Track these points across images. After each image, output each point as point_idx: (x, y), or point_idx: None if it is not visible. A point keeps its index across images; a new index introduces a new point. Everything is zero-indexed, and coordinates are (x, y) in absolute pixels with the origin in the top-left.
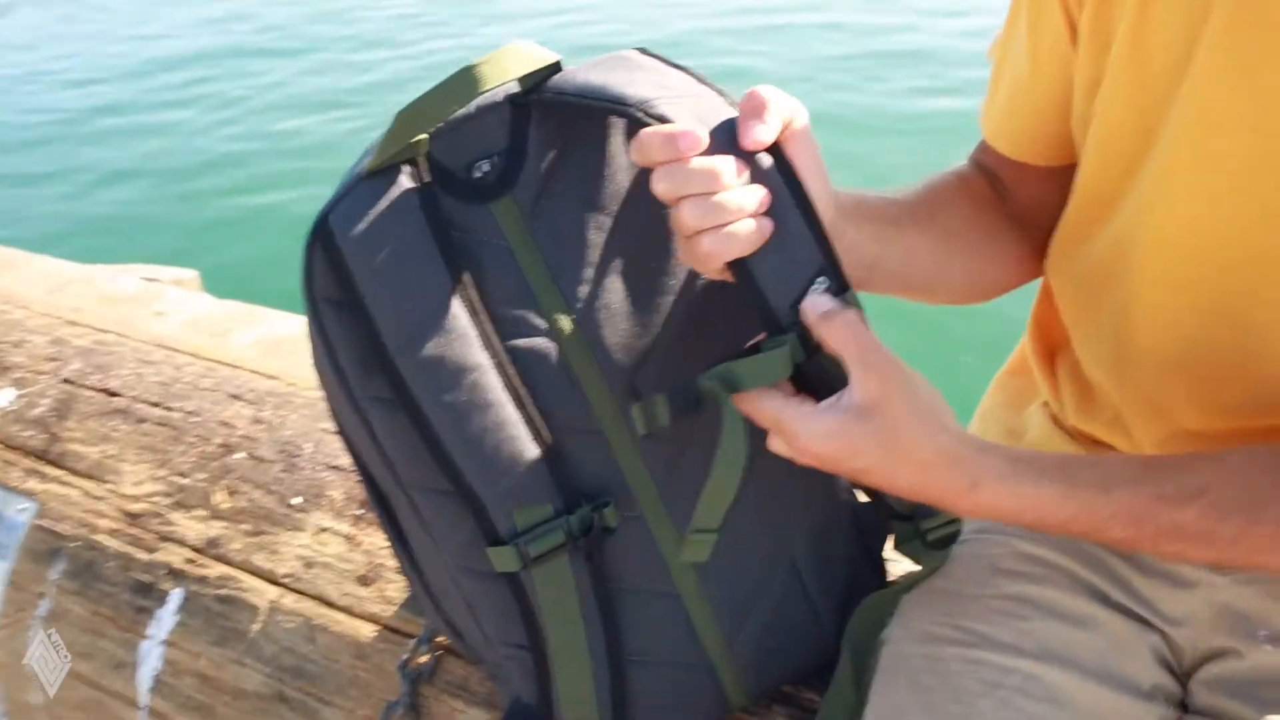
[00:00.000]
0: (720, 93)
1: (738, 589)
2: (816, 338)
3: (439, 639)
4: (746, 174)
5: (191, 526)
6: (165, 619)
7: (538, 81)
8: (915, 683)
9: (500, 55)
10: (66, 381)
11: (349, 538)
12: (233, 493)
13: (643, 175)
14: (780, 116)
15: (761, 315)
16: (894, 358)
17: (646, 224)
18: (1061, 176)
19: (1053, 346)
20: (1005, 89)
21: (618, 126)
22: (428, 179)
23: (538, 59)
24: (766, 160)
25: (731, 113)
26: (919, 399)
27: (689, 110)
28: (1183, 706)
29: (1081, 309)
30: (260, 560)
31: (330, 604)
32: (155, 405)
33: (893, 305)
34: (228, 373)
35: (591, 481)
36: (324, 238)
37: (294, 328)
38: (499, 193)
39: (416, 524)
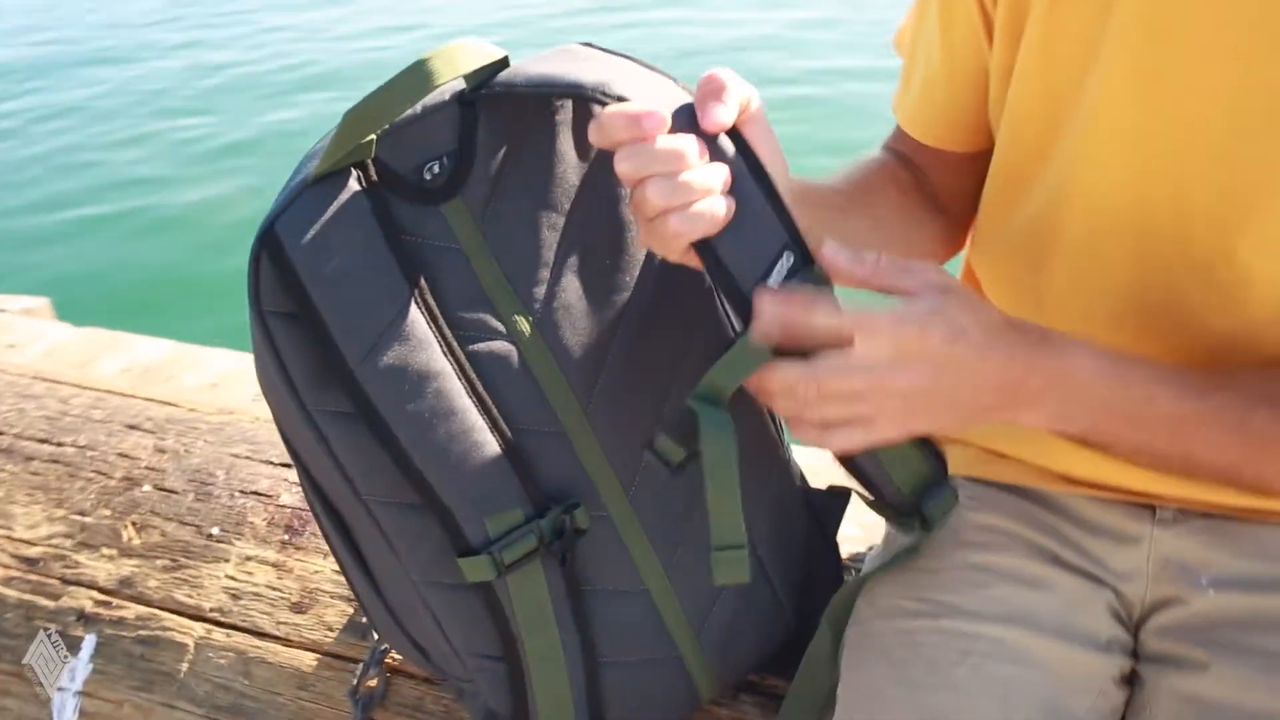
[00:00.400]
0: (671, 78)
1: (704, 580)
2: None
3: (388, 660)
4: (707, 155)
5: (100, 567)
6: (79, 668)
7: (485, 79)
8: (888, 658)
9: (450, 50)
10: None
11: (277, 565)
12: (142, 528)
13: (592, 173)
14: (738, 99)
15: (729, 297)
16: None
17: (597, 222)
18: (975, 162)
19: None
20: (919, 78)
21: (565, 125)
22: (375, 182)
23: (487, 54)
24: (726, 141)
25: (686, 97)
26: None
27: (645, 93)
28: (1134, 656)
29: (1008, 284)
30: (182, 596)
31: (265, 635)
32: (43, 442)
33: None
34: (119, 402)
35: (557, 484)
36: (271, 248)
37: (164, 350)
38: (449, 195)
39: (378, 540)
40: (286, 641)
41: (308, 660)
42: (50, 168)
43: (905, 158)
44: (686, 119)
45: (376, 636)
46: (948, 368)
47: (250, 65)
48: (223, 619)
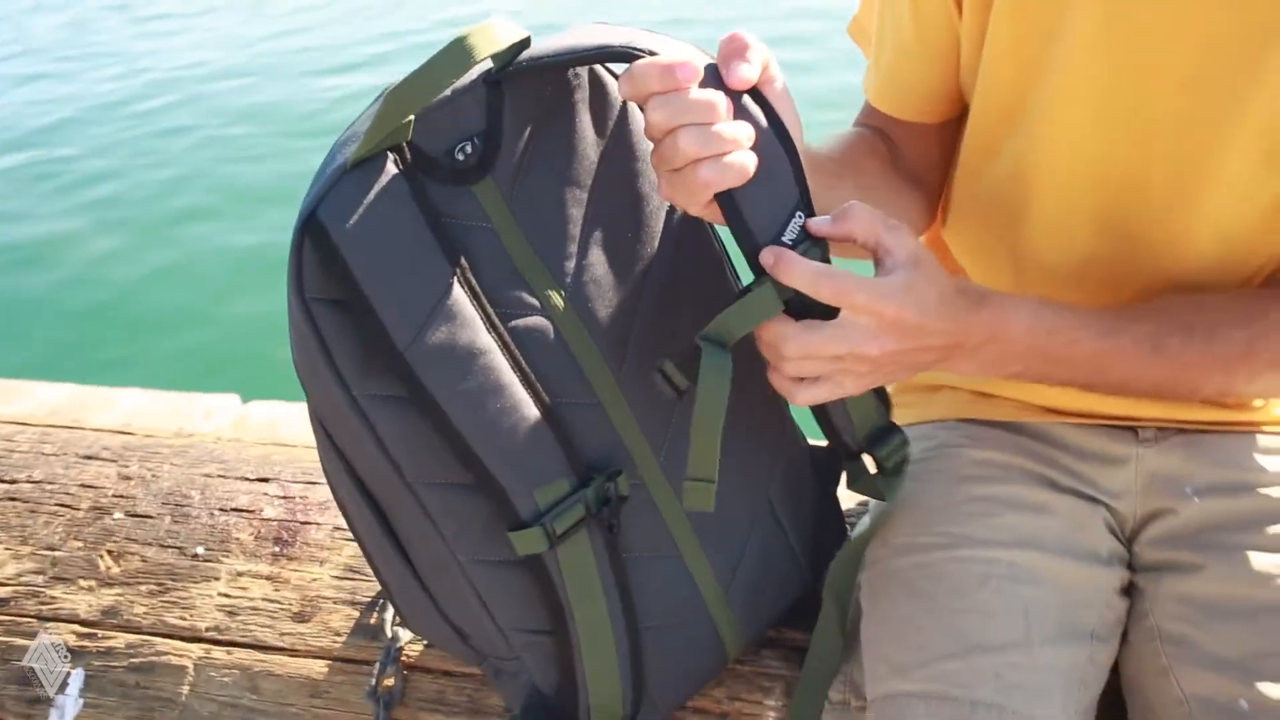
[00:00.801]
0: (687, 44)
1: (730, 538)
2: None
3: (404, 658)
4: (733, 111)
5: (80, 599)
6: (67, 706)
7: (509, 59)
8: (913, 590)
9: (486, 28)
10: None
11: (272, 577)
12: (120, 555)
13: (609, 151)
14: (760, 58)
15: (746, 250)
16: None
17: (617, 196)
18: (945, 131)
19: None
20: (889, 54)
21: (583, 104)
22: (411, 165)
23: (516, 33)
24: (749, 100)
25: (706, 59)
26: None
27: (671, 50)
28: (1130, 569)
29: (984, 250)
30: (174, 619)
31: (268, 648)
32: None
33: None
34: (67, 435)
35: (596, 453)
36: (315, 234)
37: (66, 394)
38: (480, 175)
39: (422, 524)
40: (293, 652)
41: (318, 668)
42: None
43: (880, 131)
44: (712, 78)
45: (390, 635)
46: (913, 335)
47: (106, 94)
48: (221, 637)
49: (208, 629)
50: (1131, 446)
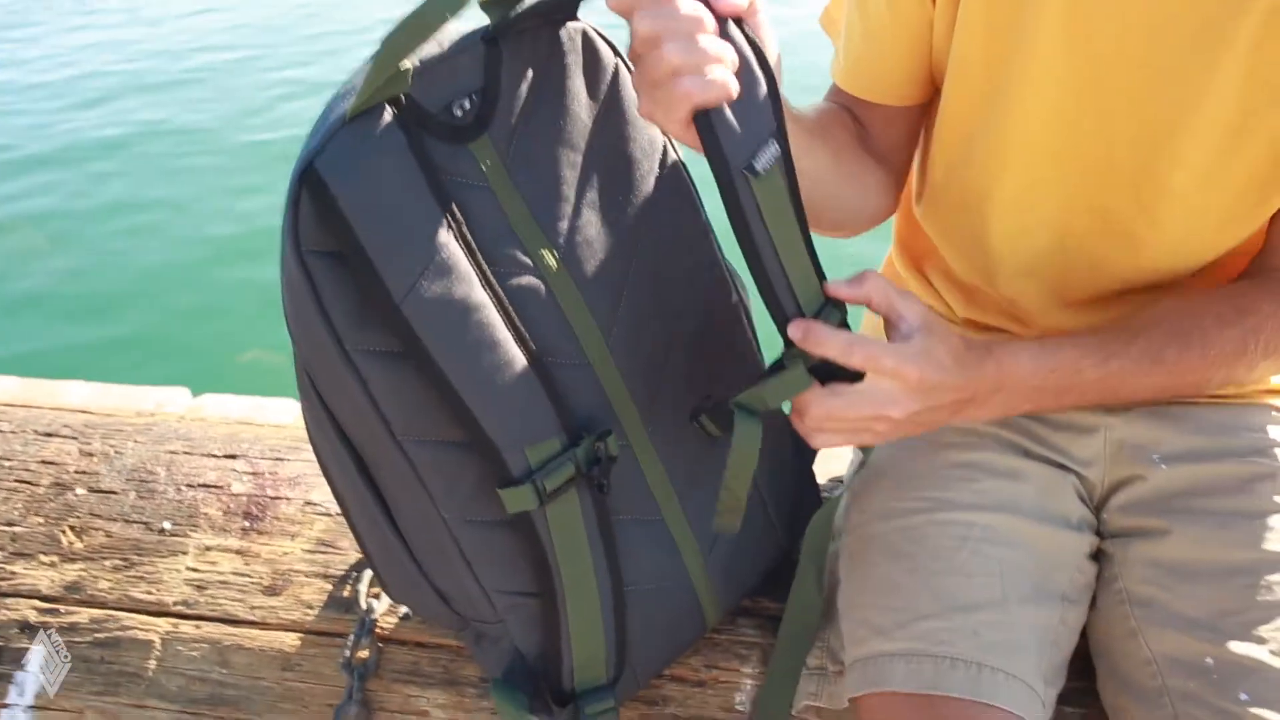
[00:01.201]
0: None
1: (711, 505)
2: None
3: (378, 629)
4: (719, 31)
5: (41, 575)
6: (27, 682)
7: (504, 16)
8: (894, 552)
9: None
10: None
11: (242, 551)
12: (82, 531)
13: (602, 113)
14: None
15: (717, 172)
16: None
17: (610, 158)
18: (910, 115)
19: (919, 256)
20: (859, 38)
21: (576, 66)
22: (409, 120)
23: None
24: (734, 28)
25: None
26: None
27: None
28: (1098, 535)
29: (959, 234)
30: (140, 594)
31: (239, 621)
32: None
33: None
34: (25, 413)
35: (586, 413)
36: (312, 186)
37: (12, 387)
38: (477, 133)
39: (410, 482)
40: (264, 625)
41: (289, 640)
42: None
43: (847, 110)
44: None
45: (364, 607)
46: (934, 394)
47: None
48: (189, 611)
49: (175, 603)
50: (1100, 416)
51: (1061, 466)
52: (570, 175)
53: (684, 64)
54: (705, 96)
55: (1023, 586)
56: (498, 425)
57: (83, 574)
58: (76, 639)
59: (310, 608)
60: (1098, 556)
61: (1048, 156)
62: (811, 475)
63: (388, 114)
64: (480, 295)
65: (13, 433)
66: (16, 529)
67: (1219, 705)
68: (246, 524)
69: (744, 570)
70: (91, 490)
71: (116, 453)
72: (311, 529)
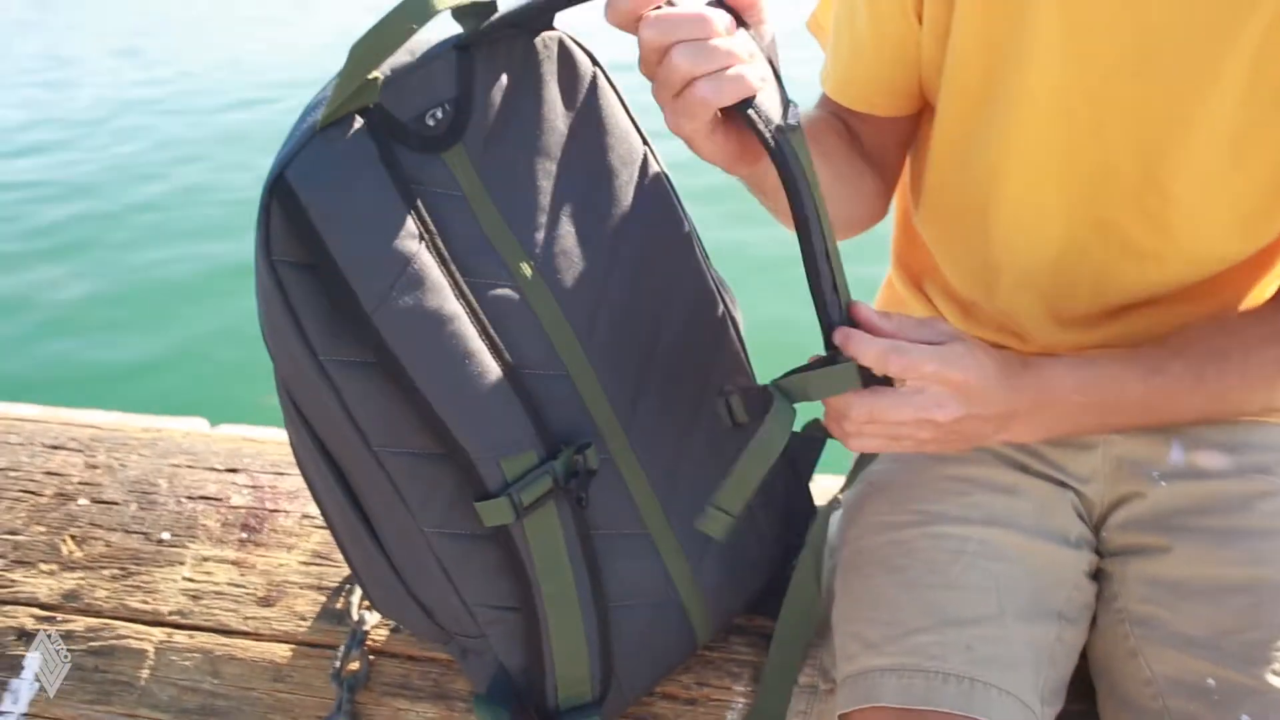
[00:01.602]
0: None
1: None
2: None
3: (369, 642)
4: (730, 25)
5: (40, 583)
6: (22, 689)
7: (477, 25)
8: (888, 566)
9: None
10: None
11: (238, 562)
12: (83, 540)
13: (577, 122)
14: None
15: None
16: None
17: (586, 168)
18: (900, 125)
19: (918, 274)
20: (846, 51)
21: (552, 76)
22: (380, 130)
23: None
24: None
25: None
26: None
27: None
28: (1098, 554)
29: (959, 240)
30: (136, 603)
31: (231, 632)
32: None
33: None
34: (34, 427)
35: (565, 426)
36: (282, 195)
37: (32, 413)
38: (450, 142)
39: (387, 494)
40: (256, 636)
41: (281, 652)
42: None
43: (838, 116)
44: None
45: (355, 619)
46: (977, 402)
47: None
48: (184, 621)
49: (170, 613)
50: (1100, 433)
51: (1060, 483)
52: (546, 185)
53: (695, 68)
54: (722, 97)
55: (1018, 602)
56: (471, 436)
57: (81, 582)
58: (72, 647)
59: (303, 619)
60: (1097, 575)
61: (1045, 167)
62: (808, 491)
63: (358, 124)
64: (453, 306)
65: (21, 445)
66: (19, 537)
67: None
68: (244, 536)
69: (736, 586)
70: (94, 501)
71: (121, 465)
72: (308, 541)
